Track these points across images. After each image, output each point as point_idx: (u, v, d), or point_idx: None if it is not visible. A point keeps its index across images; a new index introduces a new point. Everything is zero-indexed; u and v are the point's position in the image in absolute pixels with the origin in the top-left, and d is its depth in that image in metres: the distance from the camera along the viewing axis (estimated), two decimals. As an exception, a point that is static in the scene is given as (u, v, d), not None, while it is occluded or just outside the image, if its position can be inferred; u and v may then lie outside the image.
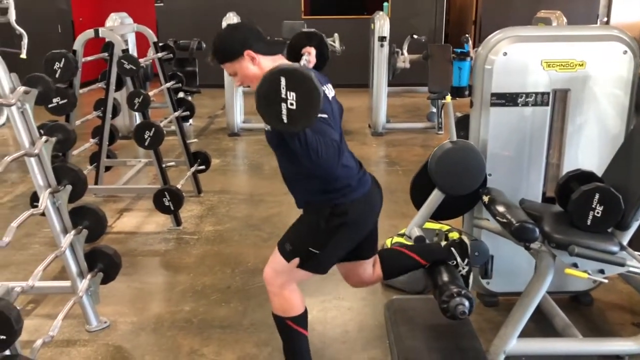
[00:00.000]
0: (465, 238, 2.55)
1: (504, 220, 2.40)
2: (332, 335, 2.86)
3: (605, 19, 9.09)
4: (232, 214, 4.46)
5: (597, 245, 2.26)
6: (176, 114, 4.75)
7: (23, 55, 6.74)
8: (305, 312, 2.33)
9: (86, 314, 2.90)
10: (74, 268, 2.81)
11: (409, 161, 5.79)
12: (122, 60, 3.97)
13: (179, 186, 4.25)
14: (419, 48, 7.19)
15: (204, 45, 6.63)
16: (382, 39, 6.58)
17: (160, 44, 4.94)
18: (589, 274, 2.28)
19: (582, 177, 2.50)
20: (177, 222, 4.22)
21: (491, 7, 10.21)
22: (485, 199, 2.63)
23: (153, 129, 3.96)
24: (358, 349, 2.75)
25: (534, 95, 2.70)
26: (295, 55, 2.35)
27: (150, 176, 5.32)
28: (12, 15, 6.93)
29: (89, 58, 4.21)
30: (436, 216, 2.82)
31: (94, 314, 2.92)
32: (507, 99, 2.70)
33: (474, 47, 6.79)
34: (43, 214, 2.65)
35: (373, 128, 6.96)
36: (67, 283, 2.88)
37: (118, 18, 6.23)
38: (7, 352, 2.11)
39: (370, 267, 2.51)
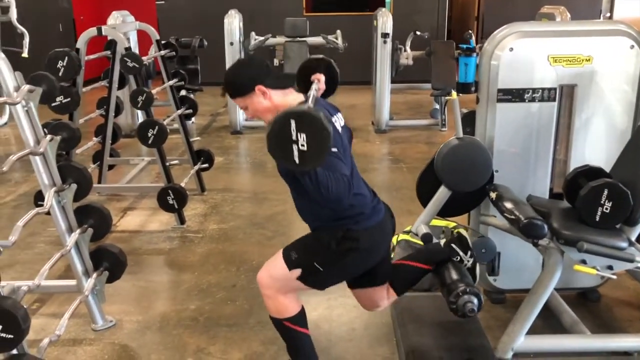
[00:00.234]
0: (462, 231, 2.54)
1: (512, 217, 2.39)
2: (338, 333, 2.85)
3: (609, 15, 9.07)
4: (236, 212, 4.45)
5: (606, 241, 2.26)
6: (179, 111, 4.74)
7: (25, 54, 6.73)
8: (302, 311, 2.32)
9: (92, 313, 2.90)
10: (79, 267, 2.81)
11: (413, 158, 5.78)
12: (125, 58, 3.95)
13: (182, 184, 4.24)
14: (421, 44, 7.18)
15: (206, 43, 6.64)
16: (384, 35, 6.55)
17: (163, 42, 4.92)
18: (597, 270, 2.27)
19: (590, 173, 2.49)
20: (181, 220, 4.21)
21: (493, 3, 10.20)
22: (493, 195, 2.62)
23: (157, 127, 3.95)
24: (364, 347, 2.74)
25: (540, 90, 2.68)
26: (304, 82, 2.35)
27: (153, 174, 5.31)
28: (13, 14, 6.93)
29: (92, 56, 4.20)
30: (443, 213, 2.82)
31: (100, 313, 2.92)
32: (514, 95, 2.69)
33: (477, 43, 6.78)
34: (48, 213, 2.64)
35: (376, 125, 6.95)
36: (72, 282, 2.87)
37: (120, 16, 6.24)
38: (15, 351, 2.10)
39: (384, 292, 2.50)
